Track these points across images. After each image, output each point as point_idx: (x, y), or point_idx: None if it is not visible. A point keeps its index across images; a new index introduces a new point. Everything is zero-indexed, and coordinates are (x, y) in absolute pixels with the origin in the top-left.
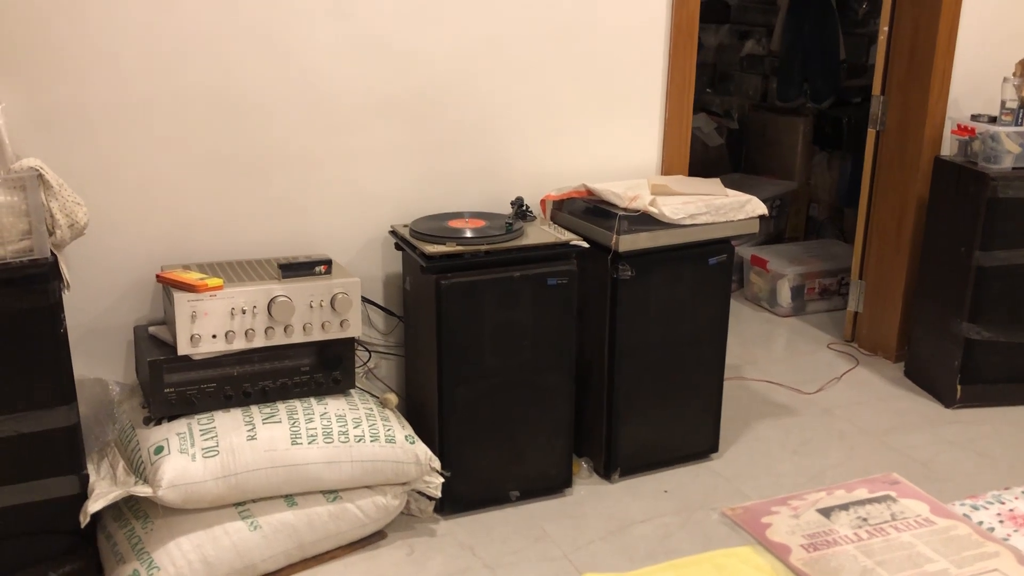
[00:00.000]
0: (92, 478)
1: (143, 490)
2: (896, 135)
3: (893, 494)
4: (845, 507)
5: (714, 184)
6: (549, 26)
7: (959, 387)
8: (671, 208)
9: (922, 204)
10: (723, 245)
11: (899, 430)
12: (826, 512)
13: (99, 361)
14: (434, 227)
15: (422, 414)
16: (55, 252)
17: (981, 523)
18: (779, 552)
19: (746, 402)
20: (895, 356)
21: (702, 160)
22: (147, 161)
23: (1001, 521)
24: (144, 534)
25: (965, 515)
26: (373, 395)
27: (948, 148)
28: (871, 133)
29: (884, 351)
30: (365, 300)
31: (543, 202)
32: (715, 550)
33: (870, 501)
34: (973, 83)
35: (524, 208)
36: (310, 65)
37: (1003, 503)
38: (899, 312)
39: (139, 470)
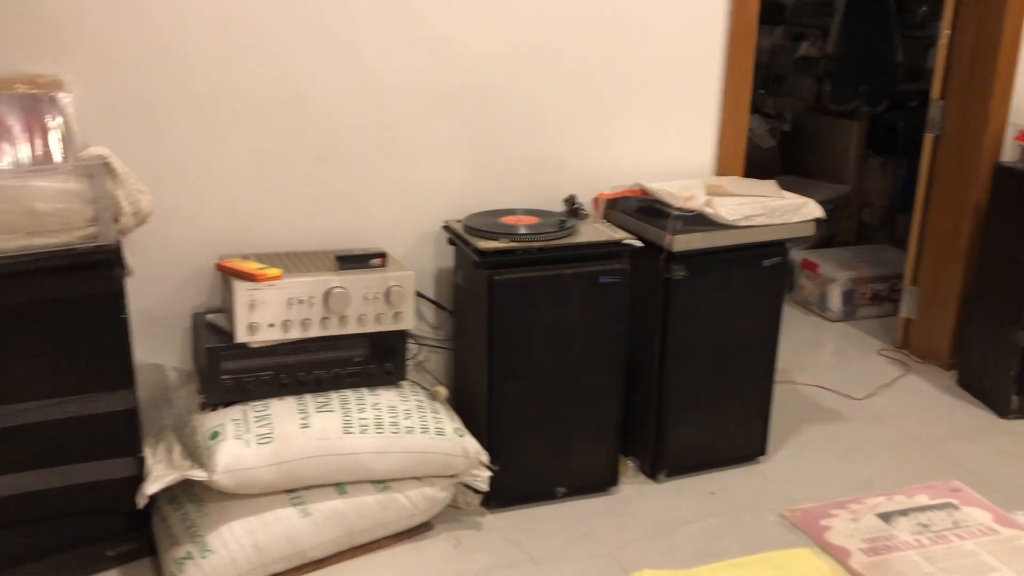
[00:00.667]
0: (149, 461)
1: (199, 474)
2: (955, 140)
3: (955, 502)
4: (905, 513)
5: (770, 186)
6: (606, 25)
7: (1015, 397)
8: (727, 209)
9: (980, 210)
10: (777, 247)
11: (951, 439)
12: (886, 517)
13: (158, 347)
14: (488, 223)
15: (470, 408)
16: (119, 239)
17: None
18: (838, 555)
19: (795, 406)
20: (948, 364)
21: (754, 161)
22: (208, 152)
23: None
24: (198, 517)
25: None
26: (424, 387)
27: (1009, 154)
28: (928, 138)
29: (936, 359)
30: (416, 294)
31: (596, 200)
32: (772, 551)
33: (931, 508)
34: None
35: (577, 206)
36: (367, 61)
37: None
38: (953, 319)
39: (195, 454)
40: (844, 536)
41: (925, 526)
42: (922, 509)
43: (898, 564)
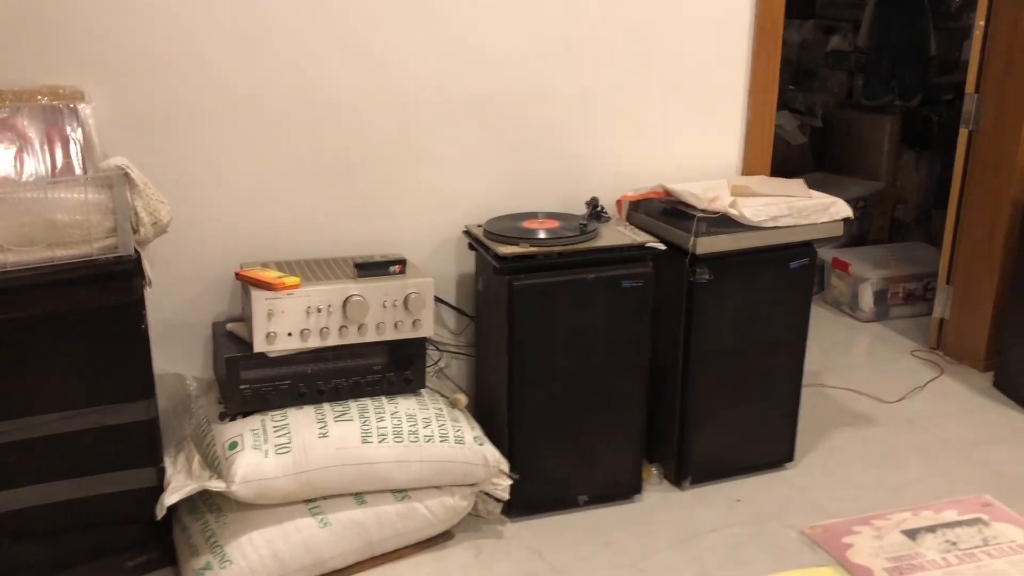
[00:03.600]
0: (169, 471)
1: (217, 485)
2: (990, 135)
3: (985, 517)
4: (932, 529)
5: (797, 185)
6: (627, 24)
7: None
8: (752, 210)
9: (1017, 207)
10: (805, 248)
11: (987, 444)
12: (912, 534)
13: (177, 356)
14: (508, 227)
15: (492, 415)
16: (138, 249)
17: None
18: (861, 574)
19: (824, 410)
20: (984, 365)
21: (784, 158)
22: (227, 160)
23: None
24: (217, 527)
25: None
26: (443, 395)
27: None
28: (963, 132)
29: (972, 360)
30: (437, 300)
31: (619, 203)
32: (794, 570)
33: (960, 524)
34: None
35: (599, 209)
36: (389, 66)
37: None
38: (989, 319)
39: (214, 465)
40: (867, 555)
41: (953, 543)
42: (950, 525)
43: None
